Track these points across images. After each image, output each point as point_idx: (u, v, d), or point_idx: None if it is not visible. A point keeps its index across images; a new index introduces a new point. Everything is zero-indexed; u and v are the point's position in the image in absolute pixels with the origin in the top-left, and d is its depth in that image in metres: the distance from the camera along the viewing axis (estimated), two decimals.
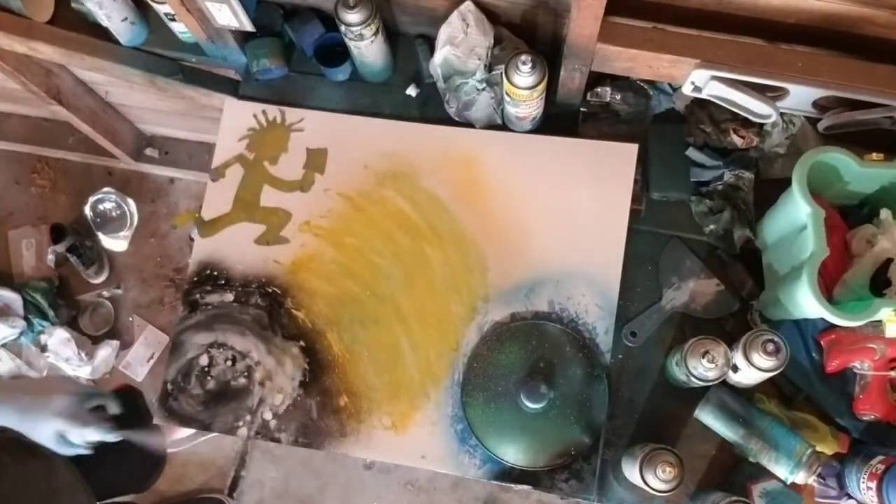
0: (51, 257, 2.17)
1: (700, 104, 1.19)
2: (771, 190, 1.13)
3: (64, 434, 1.00)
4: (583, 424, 1.10)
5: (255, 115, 1.28)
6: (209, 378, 1.17)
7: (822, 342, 1.13)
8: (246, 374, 1.17)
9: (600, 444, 1.11)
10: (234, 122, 1.28)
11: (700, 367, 1.02)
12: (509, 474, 1.11)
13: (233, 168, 1.26)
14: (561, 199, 1.19)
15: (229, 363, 1.17)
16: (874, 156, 1.03)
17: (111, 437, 1.06)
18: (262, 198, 1.24)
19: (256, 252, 1.22)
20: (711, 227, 1.18)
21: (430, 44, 1.26)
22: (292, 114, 1.27)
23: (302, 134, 1.27)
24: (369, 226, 1.21)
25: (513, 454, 1.10)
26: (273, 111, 1.27)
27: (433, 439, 1.13)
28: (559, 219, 1.18)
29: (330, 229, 1.22)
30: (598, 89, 1.23)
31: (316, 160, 1.25)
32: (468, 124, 1.24)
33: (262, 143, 1.27)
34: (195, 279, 1.22)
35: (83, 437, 1.03)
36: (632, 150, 1.19)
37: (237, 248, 1.22)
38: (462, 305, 1.17)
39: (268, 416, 1.15)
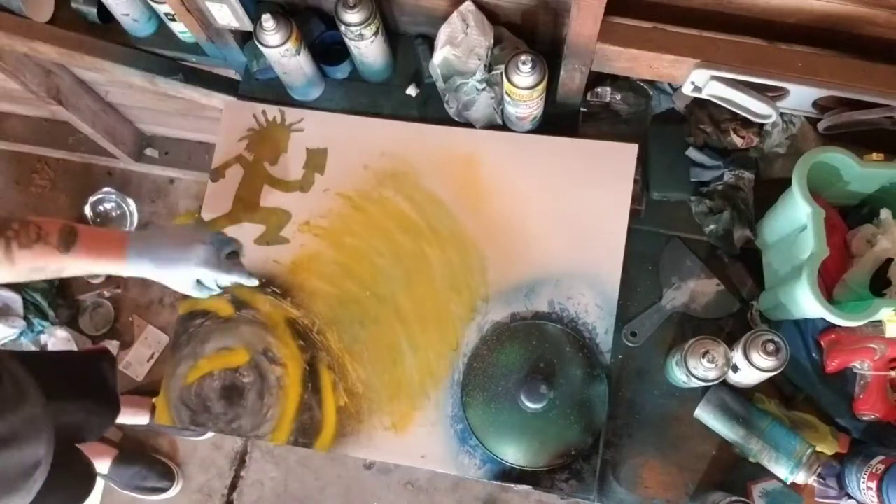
0: None
1: (700, 104, 1.19)
2: (771, 190, 1.13)
3: (202, 280, 1.02)
4: (583, 424, 1.10)
5: (254, 116, 1.28)
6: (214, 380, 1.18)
7: (822, 342, 1.13)
8: (247, 375, 1.17)
9: (600, 444, 1.11)
10: (234, 122, 1.28)
11: (700, 368, 1.02)
12: (509, 474, 1.11)
13: (232, 168, 1.26)
14: (561, 199, 1.19)
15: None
16: (874, 156, 1.03)
17: (246, 280, 1.07)
18: (262, 198, 1.24)
19: (256, 252, 1.22)
20: (711, 227, 1.18)
21: (430, 44, 1.26)
22: (292, 114, 1.27)
23: (302, 134, 1.27)
24: (369, 226, 1.21)
25: (513, 454, 1.10)
26: (273, 111, 1.27)
27: (433, 439, 1.13)
28: (559, 219, 1.18)
29: (330, 229, 1.22)
30: (598, 89, 1.23)
31: (316, 160, 1.25)
32: (468, 124, 1.24)
33: (261, 144, 1.27)
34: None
35: (219, 282, 1.05)
36: (632, 150, 1.19)
37: None
38: (462, 305, 1.17)
39: (268, 415, 1.15)
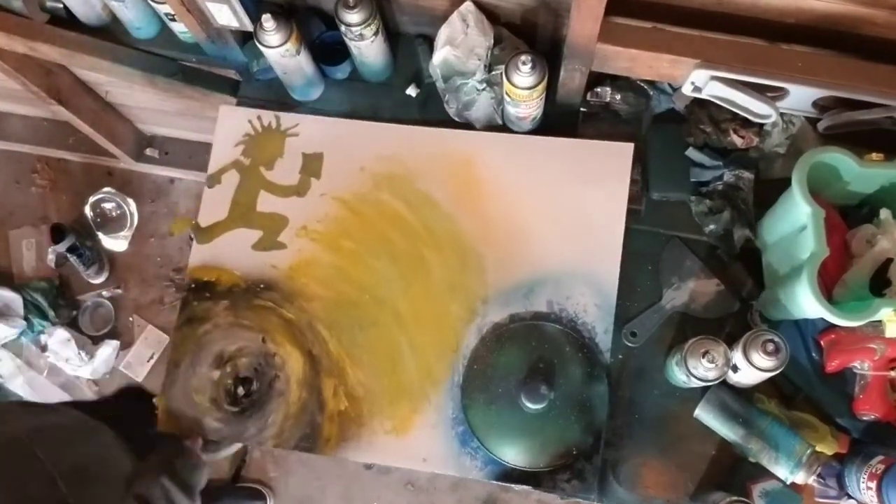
0: (51, 257, 2.17)
1: (700, 104, 1.19)
2: (771, 190, 1.13)
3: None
4: (583, 424, 1.10)
5: (249, 121, 1.27)
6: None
7: (822, 342, 1.13)
8: (247, 381, 1.17)
9: (601, 444, 1.11)
10: (229, 128, 1.28)
11: (700, 367, 1.02)
12: (511, 475, 1.10)
13: (229, 174, 1.26)
14: (558, 199, 1.19)
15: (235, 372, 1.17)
16: (874, 156, 1.03)
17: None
18: (259, 203, 1.24)
19: (254, 258, 1.21)
20: (711, 227, 1.18)
21: (430, 44, 1.26)
22: (287, 119, 1.27)
23: (297, 139, 1.26)
24: (366, 229, 1.21)
25: (514, 455, 1.10)
26: (268, 116, 1.27)
27: (434, 442, 1.13)
28: (557, 219, 1.18)
29: (327, 233, 1.22)
30: (598, 89, 1.22)
31: (312, 165, 1.25)
32: (468, 124, 1.24)
33: (257, 149, 1.26)
34: (192, 286, 1.21)
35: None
36: (627, 149, 1.18)
37: (234, 254, 1.22)
38: (461, 307, 1.17)
39: (270, 420, 1.15)
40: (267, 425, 1.15)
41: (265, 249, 1.22)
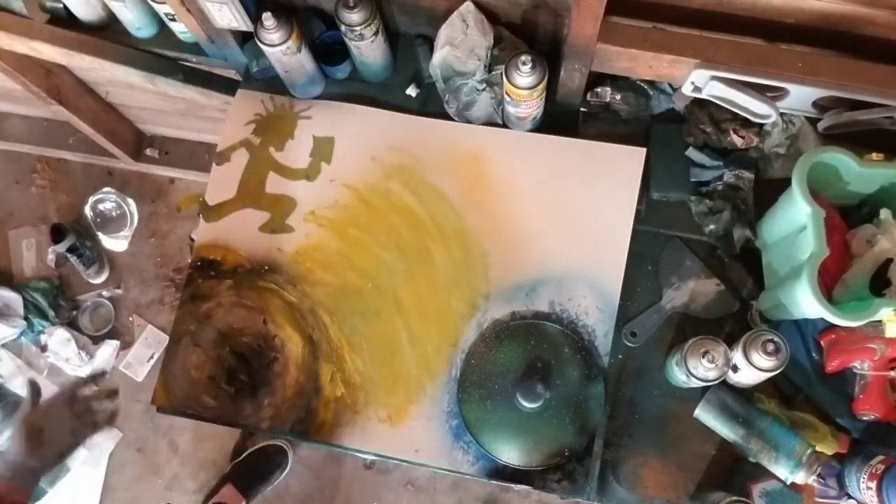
0: (51, 257, 2.17)
1: (700, 104, 1.19)
2: (771, 190, 1.13)
3: None
4: (577, 426, 1.10)
5: (262, 101, 1.28)
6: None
7: (822, 342, 1.13)
8: (246, 361, 1.17)
9: (594, 447, 1.11)
10: (242, 107, 1.28)
11: (700, 367, 1.02)
12: (502, 472, 1.11)
13: (238, 152, 1.26)
14: (566, 201, 1.19)
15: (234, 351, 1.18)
16: (874, 156, 1.03)
17: None
18: (268, 184, 1.24)
19: (260, 239, 1.22)
20: (711, 227, 1.18)
21: (430, 44, 1.26)
22: (301, 102, 1.28)
23: (309, 121, 1.26)
24: (374, 219, 1.21)
25: (506, 452, 1.10)
26: (282, 99, 1.28)
27: (427, 434, 1.13)
28: (564, 220, 1.18)
29: (335, 220, 1.22)
30: (598, 89, 1.23)
31: (323, 148, 1.25)
32: (468, 124, 1.24)
33: (268, 129, 1.26)
34: (198, 263, 1.21)
35: None
36: (640, 153, 1.18)
37: (241, 234, 1.22)
38: (463, 302, 1.17)
39: (266, 402, 1.15)
40: (262, 406, 1.15)
41: (272, 232, 1.22)
